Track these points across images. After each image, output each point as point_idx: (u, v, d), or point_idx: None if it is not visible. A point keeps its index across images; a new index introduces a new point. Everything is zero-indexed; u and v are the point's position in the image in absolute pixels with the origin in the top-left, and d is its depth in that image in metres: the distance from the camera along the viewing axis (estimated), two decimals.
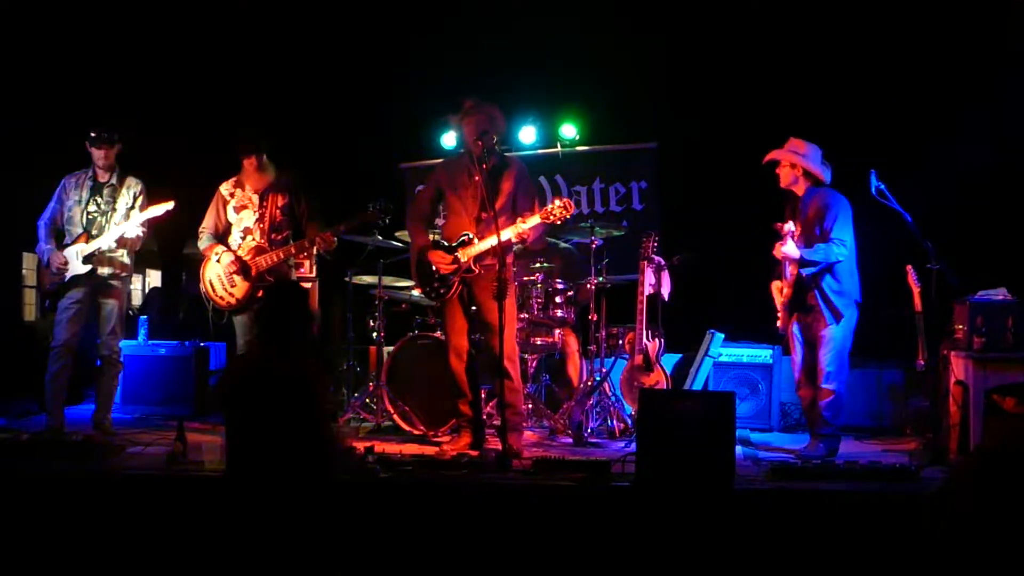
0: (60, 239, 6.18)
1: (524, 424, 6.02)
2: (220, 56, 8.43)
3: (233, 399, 3.73)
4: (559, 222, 5.49)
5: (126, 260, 6.24)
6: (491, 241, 5.39)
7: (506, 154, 5.68)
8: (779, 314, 5.86)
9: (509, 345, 5.46)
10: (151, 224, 6.22)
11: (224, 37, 8.35)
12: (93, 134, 6.13)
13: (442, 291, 5.63)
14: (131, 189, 6.23)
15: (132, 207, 6.20)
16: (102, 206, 6.16)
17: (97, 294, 6.17)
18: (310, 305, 3.96)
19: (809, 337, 5.76)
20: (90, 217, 6.13)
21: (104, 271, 6.13)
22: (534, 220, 5.41)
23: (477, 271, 5.53)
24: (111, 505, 4.58)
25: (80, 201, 6.15)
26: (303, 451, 3.65)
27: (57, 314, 6.12)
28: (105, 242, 6.08)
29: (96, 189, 6.18)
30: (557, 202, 5.39)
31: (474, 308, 5.73)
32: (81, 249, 6.07)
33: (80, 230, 6.12)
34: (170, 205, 6.18)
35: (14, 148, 7.80)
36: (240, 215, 6.14)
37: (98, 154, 6.14)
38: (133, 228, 6.12)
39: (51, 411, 6.13)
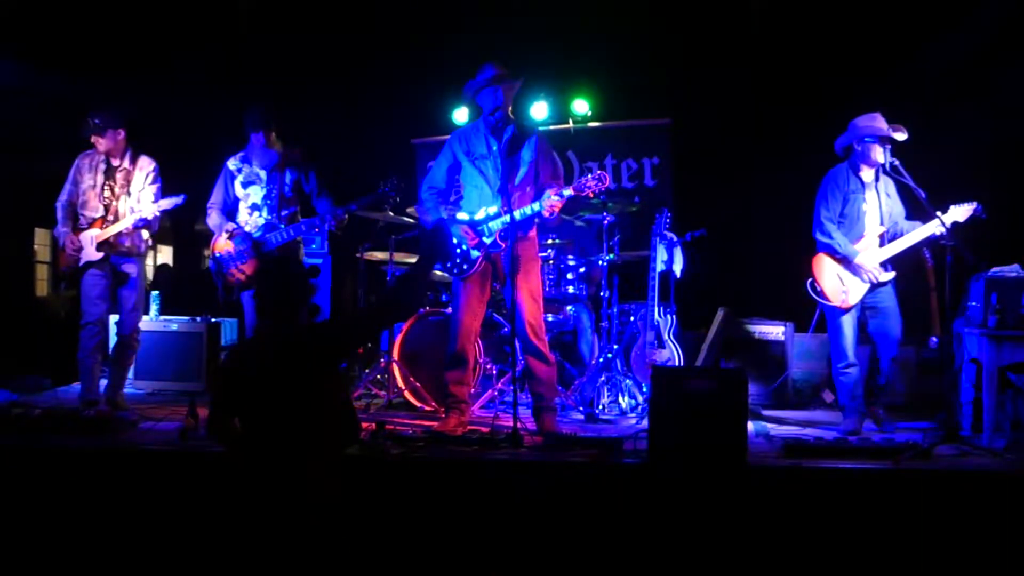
0: (75, 221, 6.10)
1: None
2: (232, 29, 8.39)
3: (238, 377, 3.71)
4: (592, 195, 5.40)
5: (142, 240, 6.18)
6: (521, 213, 5.29)
7: (524, 123, 5.52)
8: (868, 274, 5.70)
9: (537, 321, 5.41)
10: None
11: (236, 11, 8.31)
12: (89, 123, 5.98)
13: (465, 267, 5.46)
14: (144, 170, 6.15)
15: (143, 188, 6.11)
16: (116, 190, 6.07)
17: (115, 274, 6.14)
18: (308, 278, 3.90)
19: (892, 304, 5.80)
20: (106, 202, 6.05)
21: (120, 252, 6.09)
22: (568, 192, 5.28)
23: (504, 246, 5.38)
24: (124, 480, 4.60)
25: (95, 185, 6.06)
26: (313, 424, 3.64)
27: (84, 291, 6.07)
28: (122, 227, 6.02)
29: (109, 172, 6.09)
30: (590, 175, 5.27)
31: (496, 286, 5.66)
32: (96, 235, 6.00)
33: (96, 215, 6.04)
34: (179, 200, 6.06)
35: (24, 125, 7.77)
36: (248, 190, 6.08)
37: (99, 142, 6.04)
38: (150, 212, 6.00)
39: (90, 387, 6.10)
